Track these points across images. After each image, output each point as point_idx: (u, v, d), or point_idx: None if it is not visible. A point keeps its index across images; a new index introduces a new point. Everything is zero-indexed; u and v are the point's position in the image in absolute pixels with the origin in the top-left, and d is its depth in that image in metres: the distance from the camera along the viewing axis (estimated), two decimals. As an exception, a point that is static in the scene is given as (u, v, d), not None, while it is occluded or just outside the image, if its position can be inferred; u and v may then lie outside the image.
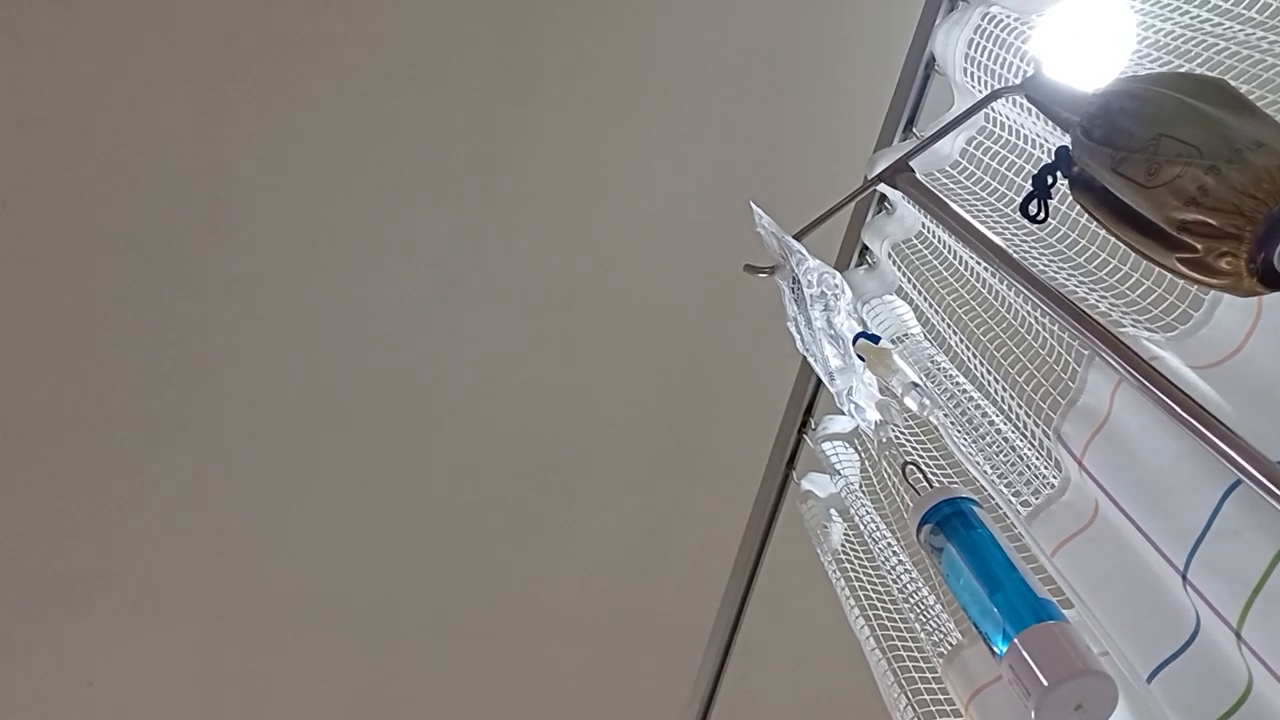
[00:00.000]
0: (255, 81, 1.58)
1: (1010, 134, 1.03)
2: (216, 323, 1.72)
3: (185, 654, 1.94)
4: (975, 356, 1.03)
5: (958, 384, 1.04)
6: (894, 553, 1.12)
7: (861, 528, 1.19)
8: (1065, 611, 0.83)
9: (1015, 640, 0.78)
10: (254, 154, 1.62)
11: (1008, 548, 0.87)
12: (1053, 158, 0.79)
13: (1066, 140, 0.78)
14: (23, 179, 1.56)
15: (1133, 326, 0.84)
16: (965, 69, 1.06)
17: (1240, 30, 0.83)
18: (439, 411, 1.87)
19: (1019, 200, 0.84)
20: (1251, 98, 0.67)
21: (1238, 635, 0.69)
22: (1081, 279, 0.92)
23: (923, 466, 1.04)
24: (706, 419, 1.95)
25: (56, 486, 1.77)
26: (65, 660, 1.90)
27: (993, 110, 1.04)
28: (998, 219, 1.02)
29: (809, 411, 1.36)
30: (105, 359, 1.70)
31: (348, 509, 1.90)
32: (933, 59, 1.15)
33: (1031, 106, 0.89)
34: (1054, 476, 0.93)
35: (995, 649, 0.81)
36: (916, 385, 1.00)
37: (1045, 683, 0.75)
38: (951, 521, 0.88)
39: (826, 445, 1.30)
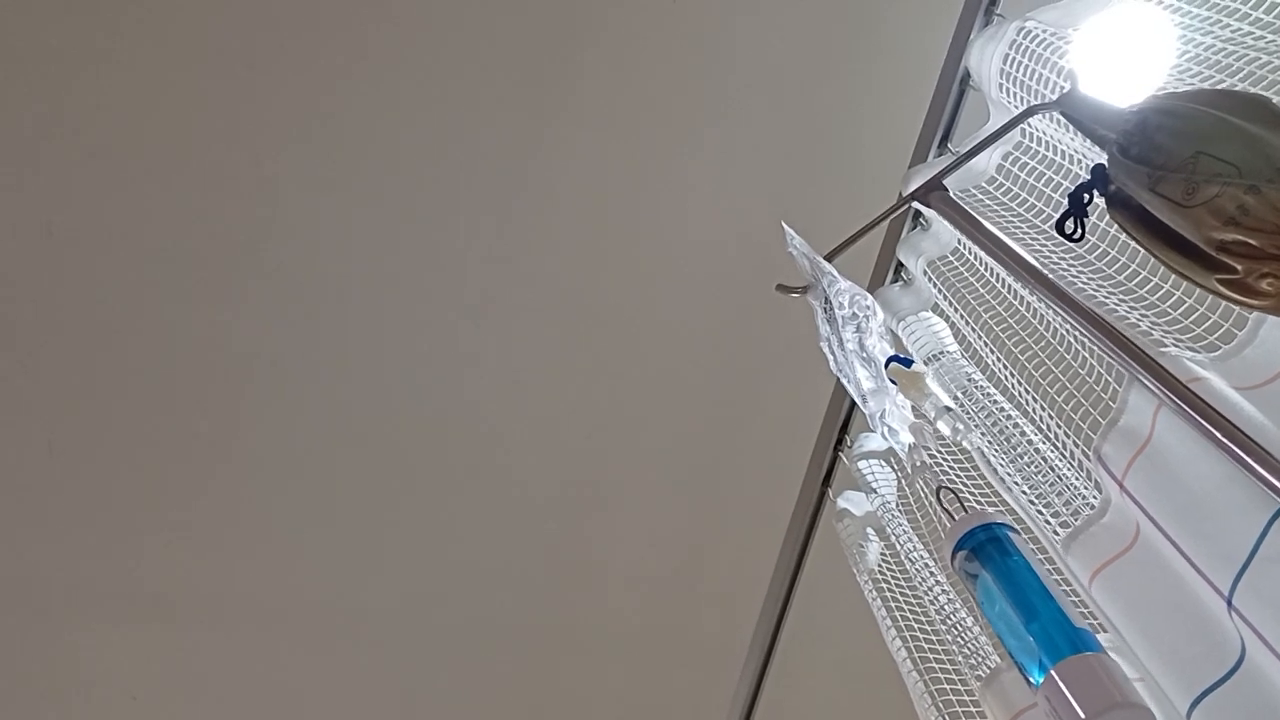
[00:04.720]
0: (297, 104, 1.60)
1: (1047, 150, 1.02)
2: (259, 342, 1.73)
3: (229, 668, 1.96)
4: (1013, 375, 1.01)
5: (995, 401, 1.02)
6: (931, 573, 1.11)
7: (898, 547, 1.17)
8: (1099, 636, 0.81)
9: (1051, 671, 0.76)
10: (295, 174, 1.64)
11: (1044, 574, 0.85)
12: (1089, 175, 0.78)
13: (1104, 157, 0.77)
14: (68, 203, 1.59)
15: (1175, 346, 0.82)
16: (1001, 84, 1.05)
17: (1283, 44, 0.81)
18: (474, 427, 1.87)
19: (1056, 217, 0.82)
20: (1293, 116, 0.65)
21: (1284, 665, 0.67)
22: (1122, 297, 0.90)
23: (958, 491, 1.02)
24: (741, 437, 1.94)
25: (101, 502, 1.79)
26: (109, 674, 1.92)
27: (1029, 126, 1.03)
28: (1034, 236, 1.00)
29: (845, 429, 1.34)
30: (148, 377, 1.73)
31: (386, 525, 1.91)
32: (968, 74, 1.14)
33: (1068, 123, 0.88)
34: (1094, 497, 0.91)
35: (1031, 679, 0.79)
36: (949, 409, 0.98)
37: (1082, 715, 0.74)
38: (986, 548, 0.86)
39: (863, 463, 1.29)
